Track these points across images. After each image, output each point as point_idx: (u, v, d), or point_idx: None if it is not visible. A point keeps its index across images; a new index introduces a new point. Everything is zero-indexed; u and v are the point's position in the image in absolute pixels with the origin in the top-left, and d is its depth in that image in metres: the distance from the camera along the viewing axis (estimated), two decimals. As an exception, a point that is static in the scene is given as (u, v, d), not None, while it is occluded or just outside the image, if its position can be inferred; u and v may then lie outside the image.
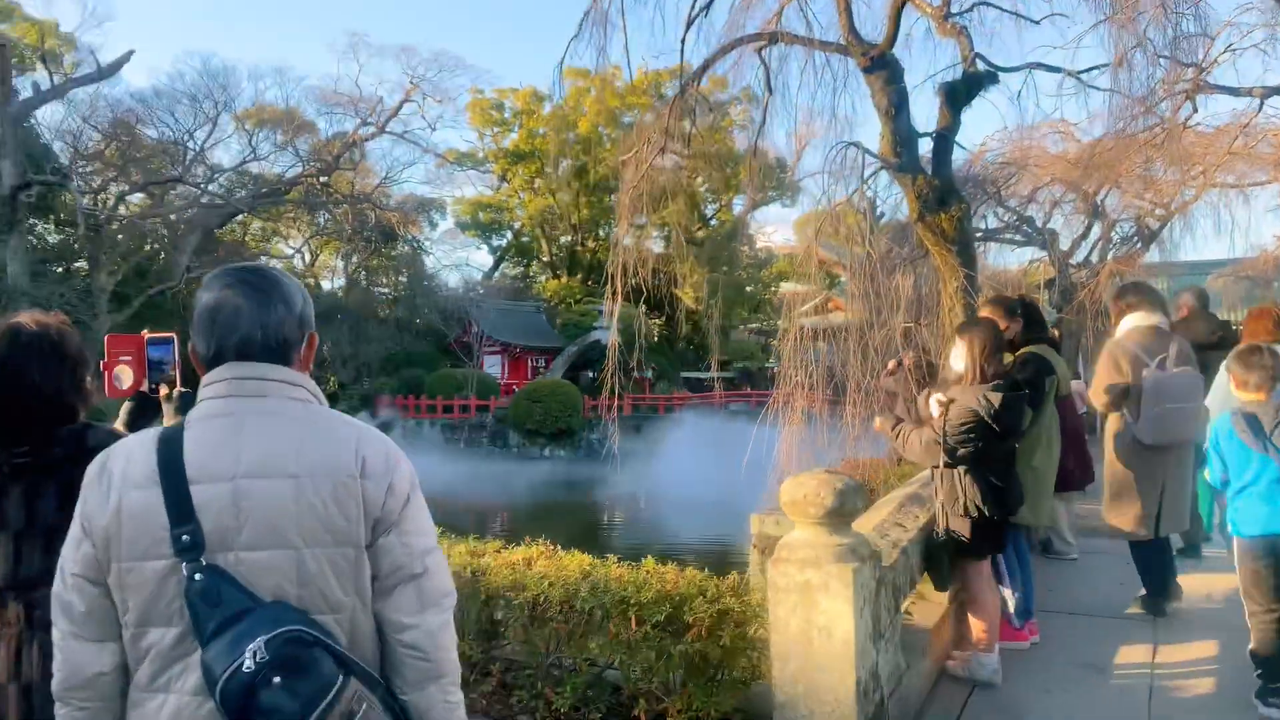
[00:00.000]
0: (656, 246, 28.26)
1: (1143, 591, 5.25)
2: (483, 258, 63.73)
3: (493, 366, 38.80)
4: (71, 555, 1.52)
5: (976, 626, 4.27)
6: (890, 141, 9.76)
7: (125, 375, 2.30)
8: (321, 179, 41.62)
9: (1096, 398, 5.16)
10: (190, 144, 36.48)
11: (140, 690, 1.48)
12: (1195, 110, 11.22)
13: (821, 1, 9.71)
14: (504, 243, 52.07)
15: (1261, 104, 10.76)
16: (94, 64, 31.30)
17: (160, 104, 34.71)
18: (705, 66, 9.85)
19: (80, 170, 33.54)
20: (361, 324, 40.07)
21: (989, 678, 4.20)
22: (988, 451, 4.01)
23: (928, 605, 4.57)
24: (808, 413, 9.17)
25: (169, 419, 2.25)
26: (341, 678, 1.42)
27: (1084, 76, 9.24)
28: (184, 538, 1.43)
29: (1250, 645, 3.89)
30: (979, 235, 15.73)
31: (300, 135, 40.71)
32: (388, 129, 42.65)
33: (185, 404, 2.18)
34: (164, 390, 2.31)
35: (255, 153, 39.08)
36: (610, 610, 3.51)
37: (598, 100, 41.74)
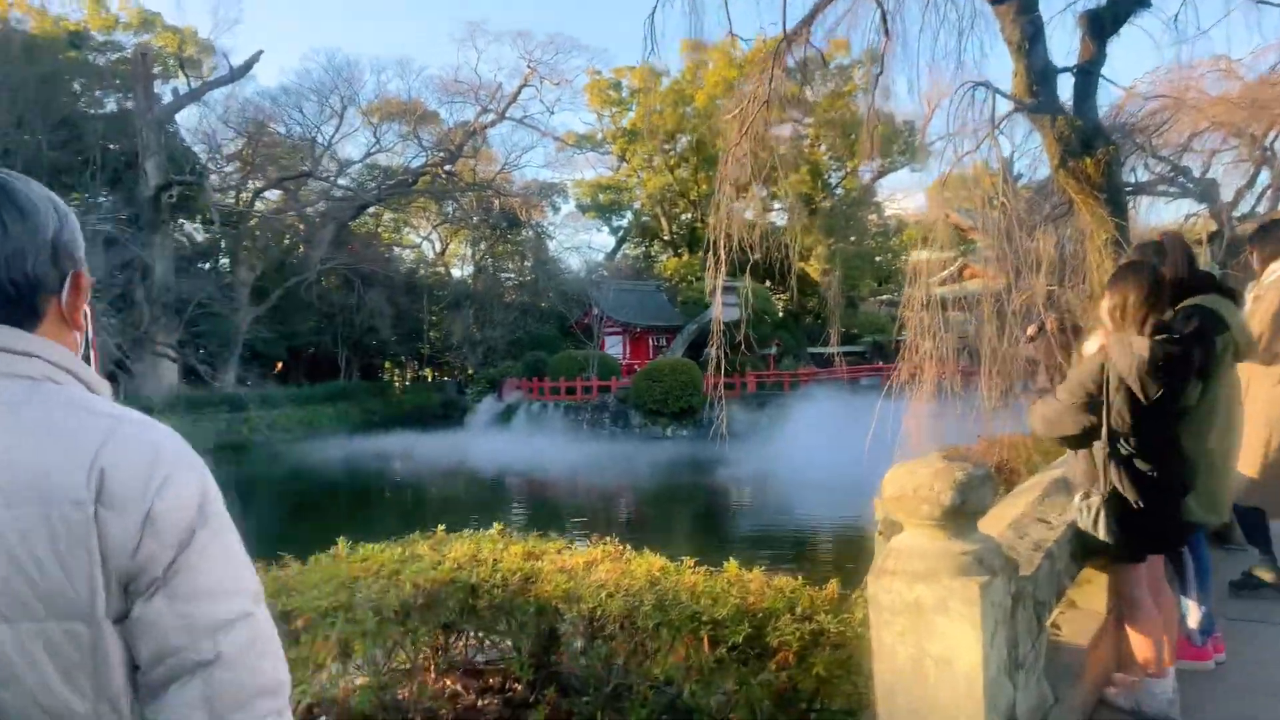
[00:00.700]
0: (778, 219, 27.30)
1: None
2: (604, 239, 63.99)
3: (614, 347, 38.74)
4: None
5: (1140, 646, 3.40)
6: (1024, 79, 8.80)
7: None
8: (446, 168, 42.51)
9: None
10: (319, 138, 37.85)
11: None
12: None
13: (939, -72, 8.75)
14: (624, 223, 51.97)
15: None
16: (226, 66, 32.80)
17: (289, 101, 36.19)
18: (815, 10, 9.05)
19: (218, 169, 35.32)
20: (488, 309, 40.80)
21: (1163, 710, 3.34)
22: (1135, 422, 3.15)
23: (1081, 616, 3.74)
24: (939, 385, 8.41)
25: None
26: None
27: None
28: None
29: None
30: (1127, 190, 14.30)
31: (423, 126, 41.67)
32: (507, 115, 43.19)
33: None
34: None
35: (380, 144, 40.20)
36: (679, 627, 2.92)
37: (715, 72, 40.76)
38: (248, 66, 33.46)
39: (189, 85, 32.55)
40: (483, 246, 47.81)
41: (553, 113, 61.78)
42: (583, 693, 3.19)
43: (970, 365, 9.01)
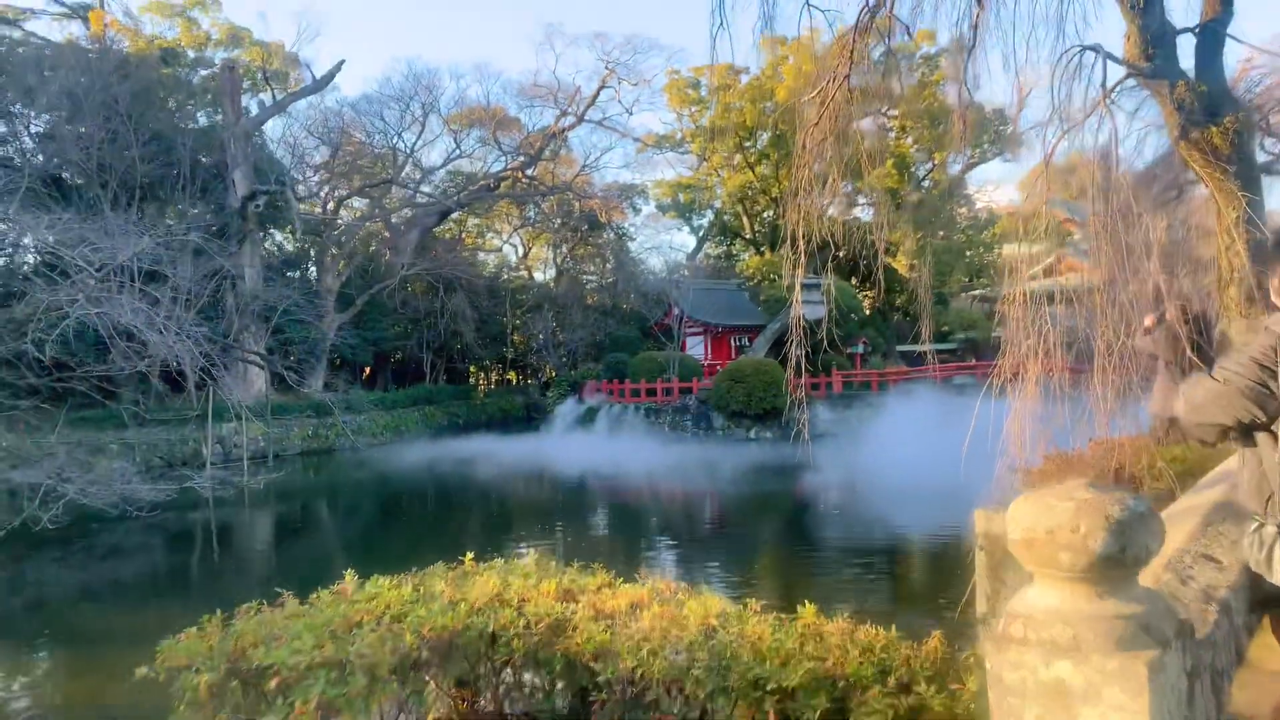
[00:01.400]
0: (863, 215, 26.28)
1: None
2: (684, 239, 63.43)
3: (695, 347, 38.10)
4: None
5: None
6: (1138, 42, 7.91)
7: None
8: (526, 172, 42.61)
9: None
10: (401, 145, 38.30)
11: None
12: None
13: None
14: (705, 222, 51.31)
15: None
16: (310, 77, 33.41)
17: (370, 109, 36.69)
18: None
19: (304, 179, 36.04)
20: (569, 311, 40.71)
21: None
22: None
23: (1257, 677, 2.97)
24: (1044, 384, 7.58)
25: None
26: None
27: None
28: None
29: None
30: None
31: (503, 131, 41.83)
32: (586, 117, 43.01)
33: None
34: None
35: (460, 150, 40.51)
36: (738, 696, 2.31)
37: (795, 66, 39.71)
38: (330, 76, 34.06)
39: (274, 98, 33.27)
40: (564, 249, 47.84)
41: (631, 113, 61.49)
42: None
43: (1078, 363, 8.16)
